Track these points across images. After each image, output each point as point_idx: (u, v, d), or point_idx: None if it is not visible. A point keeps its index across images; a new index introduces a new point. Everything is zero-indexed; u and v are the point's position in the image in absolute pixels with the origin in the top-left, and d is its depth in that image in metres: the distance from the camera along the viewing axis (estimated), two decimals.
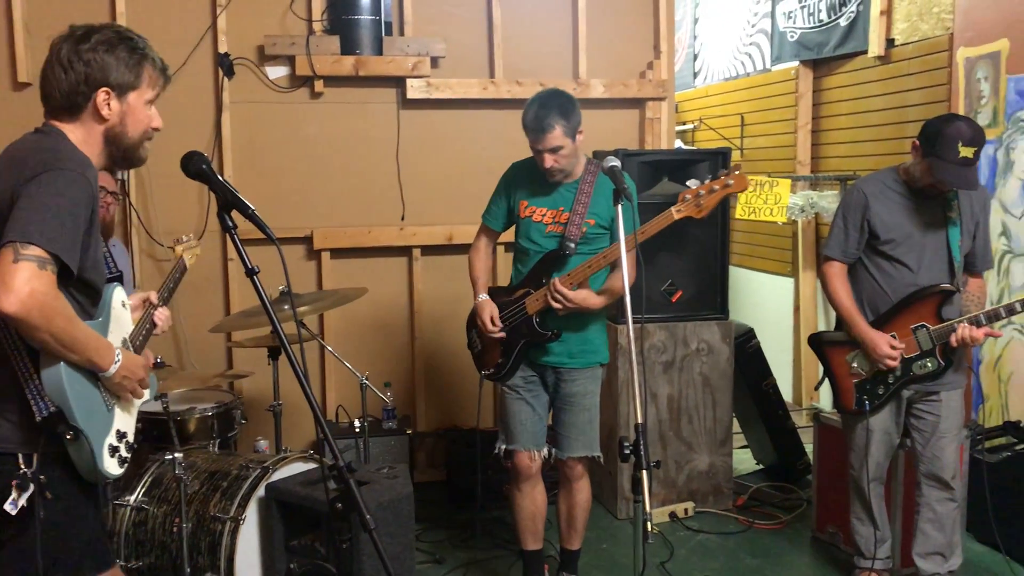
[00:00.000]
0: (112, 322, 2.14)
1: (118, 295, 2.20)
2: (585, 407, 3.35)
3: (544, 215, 3.32)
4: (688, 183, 3.19)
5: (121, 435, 2.13)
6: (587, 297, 3.20)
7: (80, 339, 1.93)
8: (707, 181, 3.10)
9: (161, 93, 2.16)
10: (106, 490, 3.14)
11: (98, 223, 2.00)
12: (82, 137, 2.06)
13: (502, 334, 3.33)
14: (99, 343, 2.01)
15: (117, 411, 2.14)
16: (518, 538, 3.53)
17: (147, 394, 2.25)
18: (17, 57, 4.25)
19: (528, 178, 3.37)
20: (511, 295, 3.38)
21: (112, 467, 2.08)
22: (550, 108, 3.12)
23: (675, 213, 3.12)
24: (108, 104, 2.05)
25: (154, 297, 2.47)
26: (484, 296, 3.42)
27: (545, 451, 3.42)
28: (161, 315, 2.46)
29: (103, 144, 2.09)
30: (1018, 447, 4.03)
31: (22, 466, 1.94)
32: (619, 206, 2.56)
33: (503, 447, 3.44)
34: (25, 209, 1.83)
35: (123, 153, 2.12)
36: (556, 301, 3.18)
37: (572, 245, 3.23)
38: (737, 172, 3.07)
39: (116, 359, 2.04)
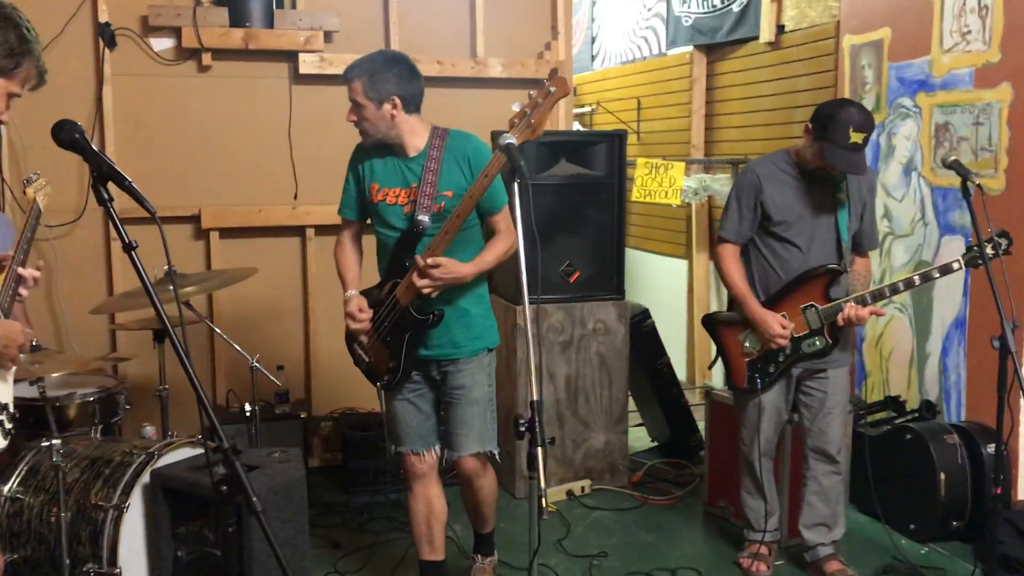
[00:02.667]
0: None
1: None
2: (474, 399, 3.12)
3: (399, 196, 3.06)
4: (512, 106, 2.93)
5: (2, 407, 2.06)
6: (454, 267, 2.95)
7: None
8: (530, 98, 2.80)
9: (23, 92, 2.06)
10: None
11: None
12: None
13: (363, 325, 3.10)
14: None
15: None
16: (416, 548, 3.33)
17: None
18: None
19: (375, 157, 3.11)
20: (382, 291, 3.13)
21: None
22: (362, 62, 2.99)
23: (511, 140, 2.68)
24: None
25: (8, 254, 2.29)
26: (351, 291, 3.18)
27: (436, 449, 3.23)
28: (25, 270, 2.29)
29: None
30: (897, 421, 4.20)
31: None
32: (515, 184, 2.52)
33: (392, 449, 3.25)
34: None
35: None
36: (422, 278, 2.93)
37: (424, 219, 2.98)
38: (556, 77, 2.82)
39: None
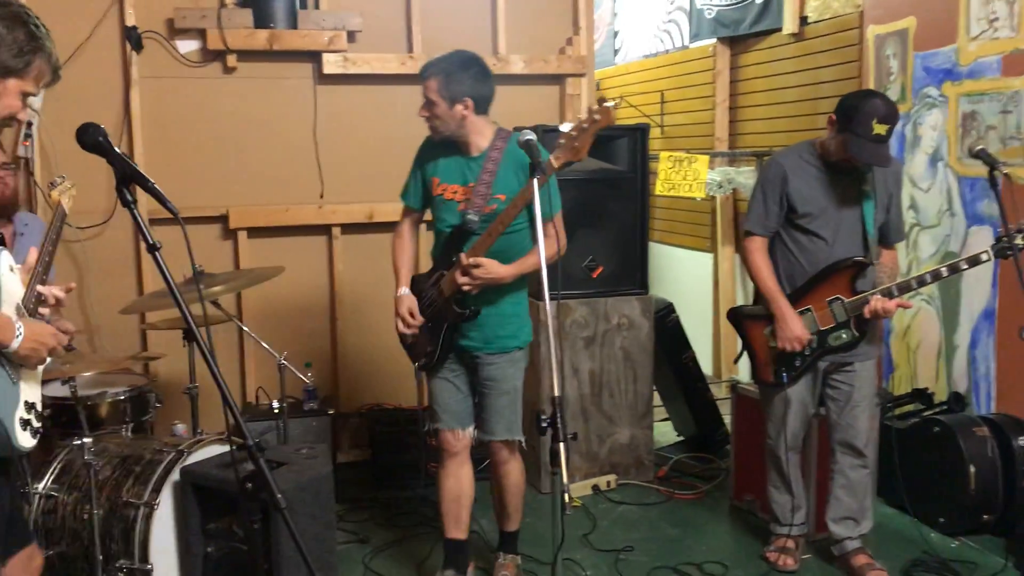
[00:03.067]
0: (2, 291, 2.07)
1: (3, 261, 2.11)
2: (503, 391, 3.27)
3: (456, 192, 3.22)
4: (561, 127, 3.09)
5: (30, 406, 2.08)
6: (494, 268, 3.09)
7: None
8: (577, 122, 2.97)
9: (41, 90, 2.07)
10: (23, 463, 3.04)
11: None
12: None
13: (415, 330, 3.29)
14: None
15: (23, 383, 2.08)
16: (441, 525, 3.44)
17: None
18: None
19: (441, 153, 3.26)
20: (429, 279, 3.31)
21: (26, 440, 2.04)
22: (440, 61, 3.14)
23: (554, 161, 2.91)
24: None
25: (32, 256, 2.29)
26: (403, 291, 3.34)
27: (472, 431, 3.37)
28: (46, 288, 2.28)
29: None
30: (925, 413, 4.17)
31: None
32: (535, 180, 2.54)
33: (430, 426, 3.42)
34: None
35: None
36: (463, 276, 3.09)
37: (474, 218, 3.13)
38: (605, 104, 2.93)
39: (17, 333, 1.98)
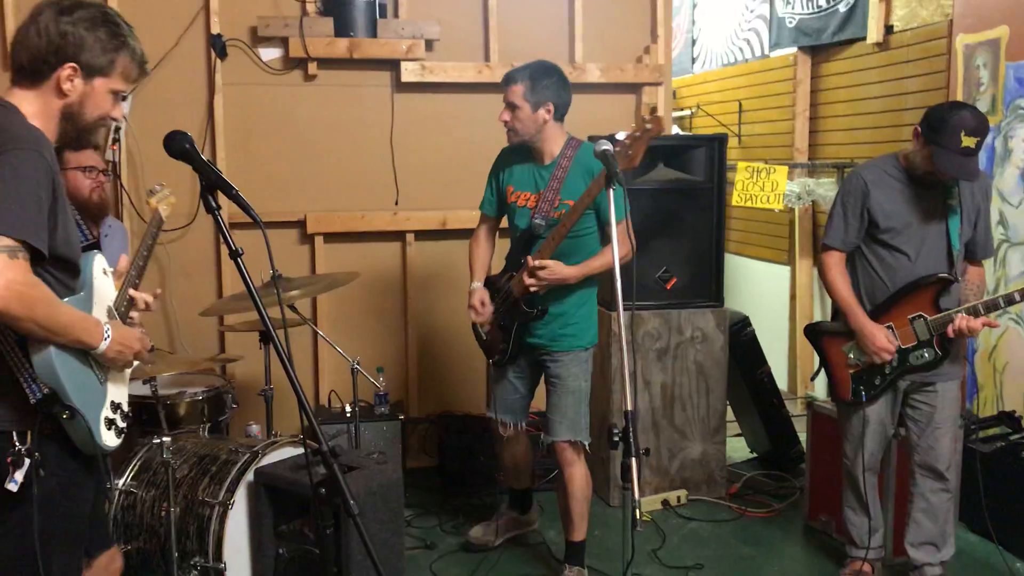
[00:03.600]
0: (95, 293, 2.12)
1: (98, 264, 2.16)
2: (569, 389, 3.40)
3: (528, 199, 3.41)
4: (617, 135, 3.18)
5: (116, 406, 2.13)
6: (559, 269, 3.25)
7: (64, 322, 1.91)
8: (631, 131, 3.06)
9: (135, 88, 2.11)
10: (107, 462, 3.10)
11: (63, 198, 1.95)
12: (38, 109, 2.00)
13: (486, 319, 3.49)
14: (85, 322, 1.99)
15: (110, 384, 2.13)
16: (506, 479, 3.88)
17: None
18: (7, 36, 4.20)
19: (515, 162, 3.47)
20: (501, 280, 3.51)
21: (110, 439, 2.09)
22: (525, 68, 3.31)
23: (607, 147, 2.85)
24: (72, 80, 1.99)
25: (124, 262, 2.36)
26: (476, 284, 3.55)
27: (523, 424, 3.62)
28: (138, 293, 2.34)
29: (59, 120, 2.02)
30: (1012, 437, 4.02)
31: (16, 443, 1.92)
32: (611, 190, 2.53)
33: (488, 412, 3.69)
34: None
35: (76, 133, 2.06)
36: (530, 277, 3.25)
37: (541, 223, 3.31)
38: (654, 115, 3.07)
39: (105, 336, 2.03)
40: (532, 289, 3.27)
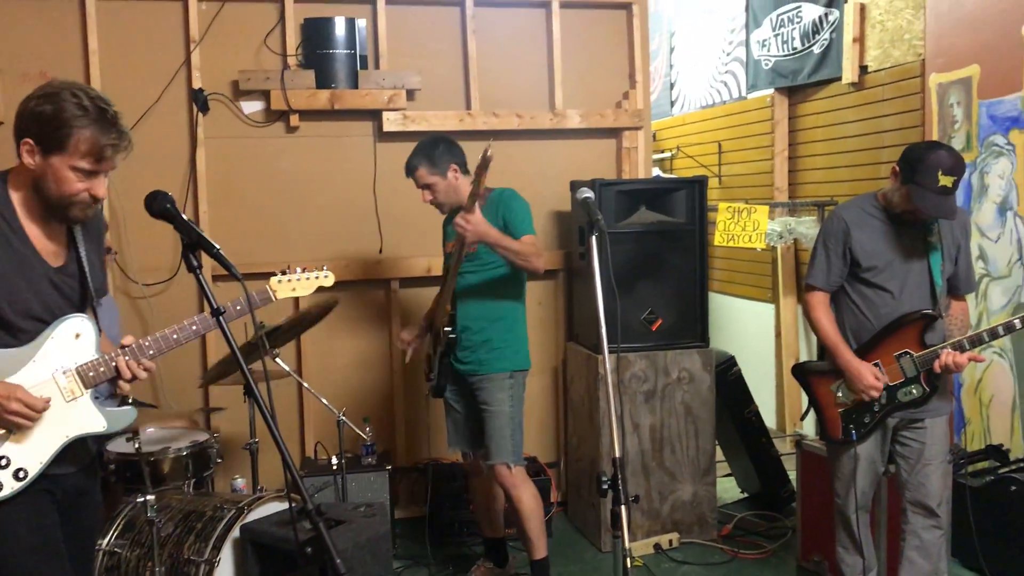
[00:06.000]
0: (43, 351, 2.15)
1: (70, 326, 2.19)
2: (494, 414, 3.59)
3: (450, 246, 3.74)
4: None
5: (6, 462, 2.11)
6: (480, 221, 3.39)
7: None
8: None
9: (108, 167, 2.13)
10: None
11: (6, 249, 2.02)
12: (22, 181, 2.14)
13: (406, 346, 3.89)
14: None
15: (9, 441, 2.12)
16: (479, 527, 4.00)
17: (103, 425, 2.24)
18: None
19: (448, 221, 3.80)
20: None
21: None
22: (416, 153, 3.64)
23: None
24: (32, 156, 2.09)
25: (129, 339, 2.34)
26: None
27: (479, 452, 3.73)
28: (131, 365, 2.26)
29: (34, 189, 2.13)
30: (1001, 471, 4.01)
31: None
32: (593, 236, 2.54)
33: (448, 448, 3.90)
34: None
35: (51, 205, 2.14)
36: (462, 220, 3.37)
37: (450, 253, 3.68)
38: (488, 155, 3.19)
39: None
40: (464, 230, 3.35)
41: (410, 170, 3.66)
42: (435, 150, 3.62)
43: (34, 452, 2.16)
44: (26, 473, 2.14)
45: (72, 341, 2.19)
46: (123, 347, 2.27)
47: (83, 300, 2.26)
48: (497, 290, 3.64)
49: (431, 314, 3.88)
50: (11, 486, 2.11)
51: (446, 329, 3.64)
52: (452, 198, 3.65)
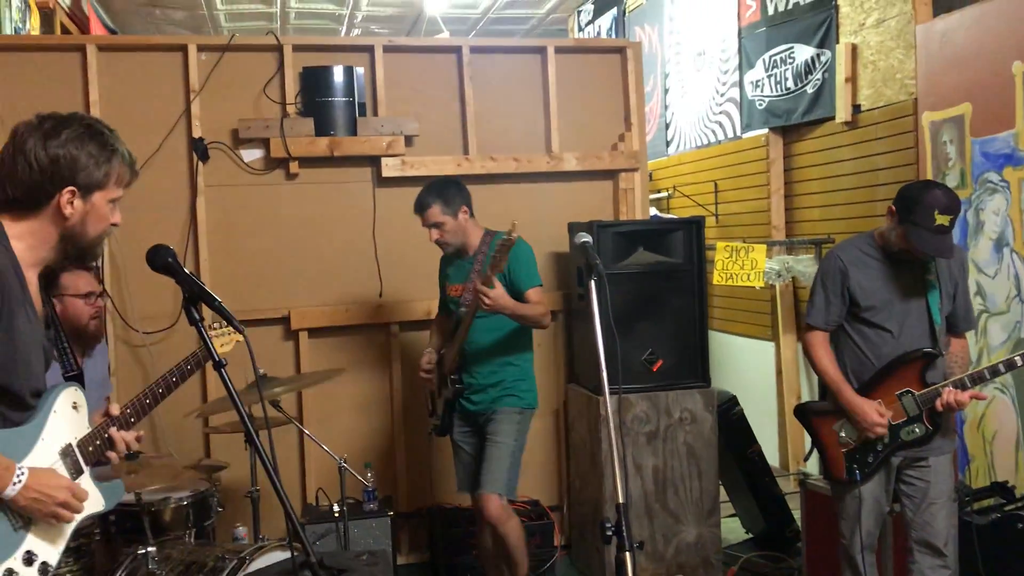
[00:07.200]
0: (47, 429, 2.01)
1: (66, 397, 2.07)
2: (497, 443, 3.68)
3: (457, 290, 3.86)
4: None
5: (30, 558, 1.96)
6: (501, 295, 3.54)
7: None
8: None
9: (126, 190, 2.06)
10: None
11: (7, 320, 1.85)
12: (29, 231, 1.95)
13: (426, 375, 3.92)
14: None
15: (31, 533, 1.97)
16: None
17: (103, 504, 2.12)
18: None
19: (450, 262, 3.94)
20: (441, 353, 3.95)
21: None
22: (429, 191, 3.77)
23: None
24: (72, 203, 1.94)
25: (115, 409, 2.20)
26: (428, 350, 4.00)
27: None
28: (124, 436, 2.17)
29: (58, 241, 1.97)
30: (1007, 508, 3.98)
31: None
32: (592, 281, 2.55)
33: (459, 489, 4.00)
34: None
35: (78, 252, 2.00)
36: (483, 292, 3.49)
37: (463, 309, 3.76)
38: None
39: (16, 480, 1.88)
40: (483, 299, 3.48)
41: (422, 207, 3.76)
42: (448, 190, 3.75)
43: (52, 542, 2.03)
44: (48, 567, 2.01)
45: (72, 414, 2.08)
46: (109, 416, 2.16)
47: (47, 357, 2.09)
48: (509, 340, 3.78)
49: (441, 354, 3.96)
50: None
51: (452, 377, 3.78)
52: (458, 238, 3.79)
